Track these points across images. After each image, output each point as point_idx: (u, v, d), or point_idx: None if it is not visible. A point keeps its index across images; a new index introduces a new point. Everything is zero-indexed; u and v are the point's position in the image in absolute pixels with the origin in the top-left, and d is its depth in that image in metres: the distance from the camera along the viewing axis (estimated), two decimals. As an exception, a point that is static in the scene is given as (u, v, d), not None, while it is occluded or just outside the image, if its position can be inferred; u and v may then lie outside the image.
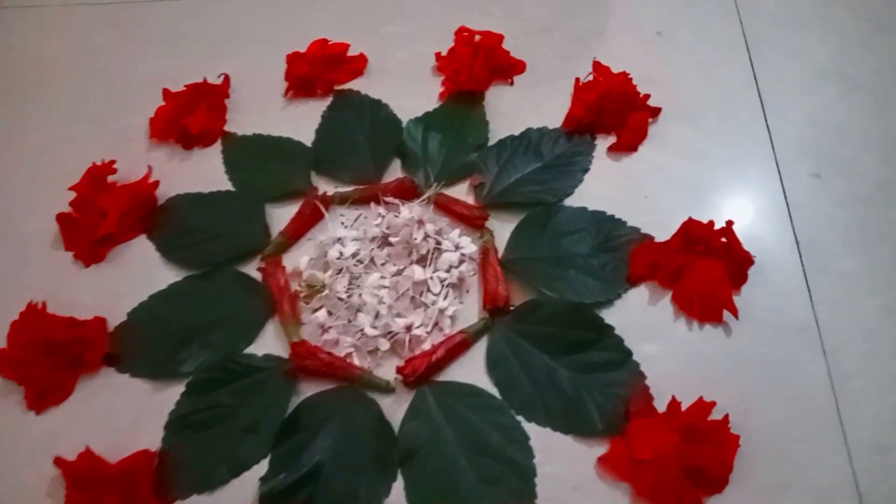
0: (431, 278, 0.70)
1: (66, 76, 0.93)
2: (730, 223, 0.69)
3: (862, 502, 0.58)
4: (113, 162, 0.80)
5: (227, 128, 0.85)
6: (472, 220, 0.74)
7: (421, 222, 0.72)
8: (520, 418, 0.63)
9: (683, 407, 0.61)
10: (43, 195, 0.80)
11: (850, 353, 0.65)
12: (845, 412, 0.62)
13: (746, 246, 0.69)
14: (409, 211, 0.73)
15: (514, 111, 0.84)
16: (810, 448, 0.61)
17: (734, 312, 0.66)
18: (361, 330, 0.68)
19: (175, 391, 0.67)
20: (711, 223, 0.69)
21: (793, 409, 0.63)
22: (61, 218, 0.77)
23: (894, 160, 0.76)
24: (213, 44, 0.94)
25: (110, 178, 0.80)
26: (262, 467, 0.62)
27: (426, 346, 0.67)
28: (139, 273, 0.75)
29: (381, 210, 0.75)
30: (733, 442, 0.59)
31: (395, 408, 0.65)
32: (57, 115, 0.89)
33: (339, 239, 0.73)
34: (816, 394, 0.63)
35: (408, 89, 0.87)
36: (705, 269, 0.68)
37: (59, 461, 0.61)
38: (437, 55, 0.88)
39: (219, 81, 0.88)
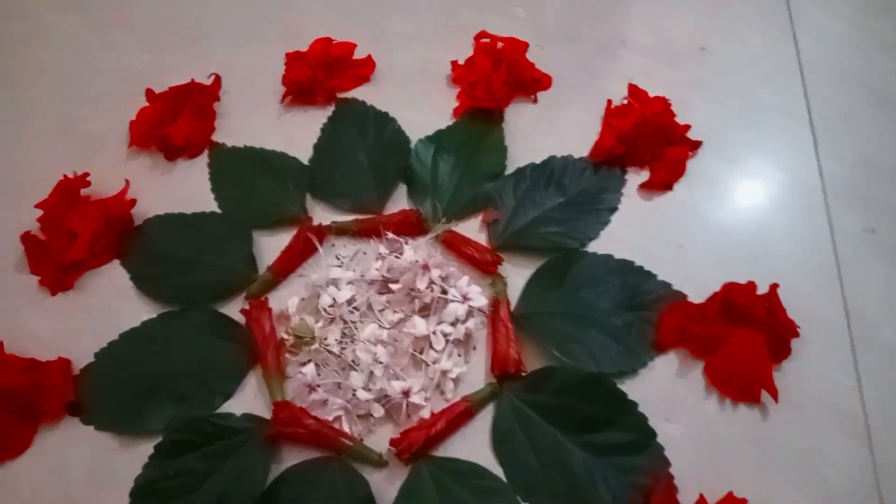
0: (434, 333, 0.62)
1: (32, 68, 0.84)
2: (774, 287, 0.61)
3: None
4: (86, 174, 0.72)
5: (215, 136, 0.77)
6: (484, 265, 0.66)
7: (426, 267, 0.64)
8: (526, 505, 0.57)
9: (710, 503, 0.54)
10: (6, 210, 0.72)
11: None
12: (887, 494, 0.55)
13: (790, 313, 0.61)
14: (413, 252, 0.65)
15: (536, 134, 0.75)
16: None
17: (774, 394, 0.59)
18: (353, 392, 0.60)
19: (142, 449, 0.60)
20: (753, 286, 0.62)
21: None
22: (26, 239, 0.69)
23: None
24: (204, 36, 0.85)
25: (83, 192, 0.72)
26: (235, 550, 0.56)
27: (425, 414, 0.60)
28: (109, 305, 0.68)
29: (382, 249, 0.66)
30: (766, 552, 0.53)
31: (386, 485, 0.58)
32: (21, 114, 0.80)
33: (334, 281, 0.65)
34: (859, 492, 0.56)
35: (419, 101, 0.78)
36: (744, 341, 0.60)
37: (10, 529, 0.55)
38: (454, 64, 0.79)
39: (208, 82, 0.79)
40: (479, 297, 0.64)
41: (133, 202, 0.71)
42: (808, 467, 0.57)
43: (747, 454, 0.58)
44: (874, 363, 0.61)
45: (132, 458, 0.59)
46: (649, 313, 0.63)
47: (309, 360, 0.62)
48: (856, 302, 0.64)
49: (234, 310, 0.66)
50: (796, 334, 0.61)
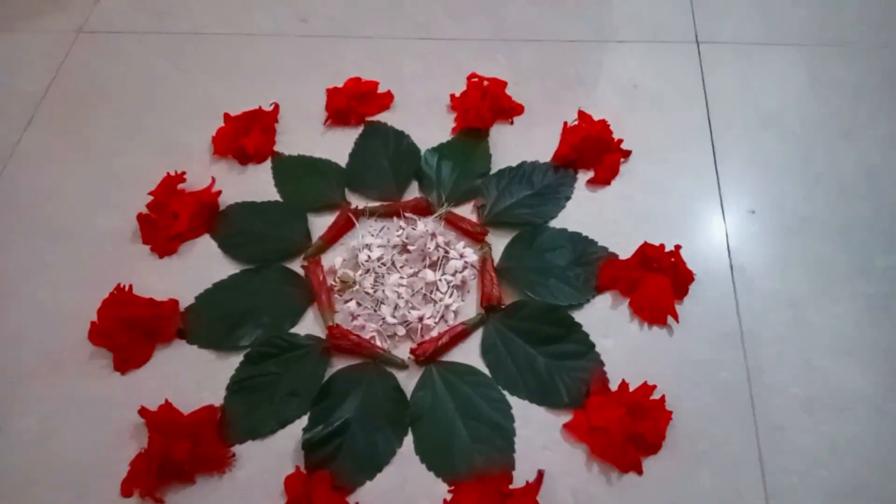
0: (440, 280, 0.88)
1: (137, 96, 1.11)
2: (678, 247, 0.87)
3: (763, 469, 0.76)
4: (184, 173, 0.98)
5: (276, 148, 1.03)
6: (475, 235, 0.92)
7: (434, 235, 0.90)
8: (505, 393, 0.81)
9: (631, 388, 0.79)
10: (120, 198, 0.98)
11: (765, 354, 0.83)
12: (756, 399, 0.80)
13: (690, 266, 0.87)
14: (424, 225, 0.91)
15: (512, 146, 1.01)
16: (727, 426, 0.78)
17: (676, 318, 0.85)
18: (383, 319, 0.85)
19: (233, 361, 0.84)
20: (663, 246, 0.88)
21: (716, 396, 0.80)
22: (141, 217, 0.95)
23: (817, 198, 0.94)
24: (263, 75, 1.12)
25: (180, 186, 0.98)
26: (302, 423, 0.80)
27: (434, 334, 0.85)
28: (203, 265, 0.92)
29: (402, 223, 0.93)
30: (667, 417, 0.77)
31: (407, 381, 0.83)
32: (132, 132, 1.07)
33: (368, 245, 0.91)
34: (735, 385, 0.81)
35: (426, 123, 1.04)
36: (655, 283, 0.86)
37: (143, 411, 0.79)
38: (452, 96, 1.06)
39: (270, 108, 1.06)
40: (472, 255, 0.90)
41: (218, 192, 0.97)
42: (700, 368, 0.82)
43: (658, 359, 0.83)
44: (750, 301, 0.87)
45: (226, 366, 0.84)
46: (592, 267, 0.89)
47: (351, 299, 0.88)
48: (738, 260, 0.90)
49: (295, 267, 0.92)
50: (692, 279, 0.87)
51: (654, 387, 0.79)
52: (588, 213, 0.95)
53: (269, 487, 0.76)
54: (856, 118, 1.02)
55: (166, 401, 0.80)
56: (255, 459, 0.79)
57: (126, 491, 0.77)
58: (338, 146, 1.03)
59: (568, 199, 0.96)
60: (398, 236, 0.91)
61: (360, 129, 1.05)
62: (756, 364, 0.82)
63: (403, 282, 0.88)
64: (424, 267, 0.90)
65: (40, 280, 0.92)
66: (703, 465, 0.76)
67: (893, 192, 0.95)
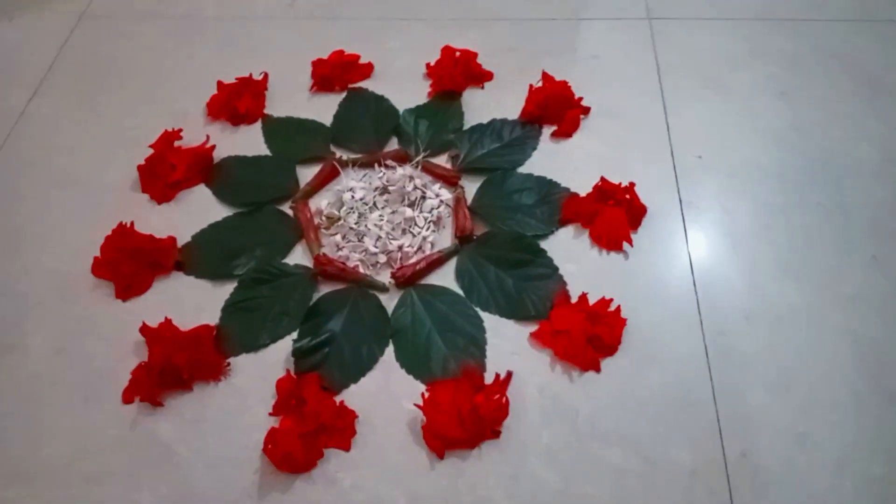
0: (418, 216, 0.97)
1: (137, 70, 1.20)
2: (631, 184, 0.97)
3: (709, 366, 0.84)
4: (181, 129, 1.07)
5: (265, 111, 1.12)
6: (449, 179, 1.01)
7: (412, 177, 0.99)
8: (477, 309, 0.89)
9: (590, 302, 0.88)
10: (122, 154, 1.06)
11: (711, 275, 0.92)
12: (704, 311, 0.88)
13: (644, 201, 0.97)
14: (403, 170, 1.00)
15: (483, 107, 1.11)
16: (676, 333, 0.87)
17: (630, 243, 0.94)
18: (366, 248, 0.94)
19: (228, 288, 0.92)
20: (619, 184, 0.97)
21: (666, 308, 0.89)
22: (141, 168, 1.03)
23: (756, 146, 1.05)
24: (254, 51, 1.21)
25: (176, 143, 1.06)
26: (292, 338, 0.87)
27: (413, 261, 0.93)
28: (199, 210, 1.00)
29: (383, 169, 1.02)
30: (622, 322, 0.86)
31: (388, 302, 0.91)
32: (136, 96, 1.16)
33: (351, 188, 0.99)
34: (683, 296, 0.90)
35: (404, 89, 1.14)
36: (612, 215, 0.95)
37: (144, 327, 0.86)
38: (427, 65, 1.16)
39: (259, 77, 1.15)
40: (447, 194, 0.99)
41: (213, 147, 1.06)
42: (652, 286, 0.91)
43: (615, 279, 0.91)
44: (697, 231, 0.96)
45: (221, 293, 0.92)
46: (555, 204, 0.98)
47: (336, 233, 0.96)
48: (686, 197, 1.00)
49: (285, 209, 1.00)
50: (645, 212, 0.96)
51: (611, 300, 0.88)
52: (552, 160, 1.04)
53: (261, 392, 0.83)
54: (791, 81, 1.14)
55: (166, 318, 0.87)
56: (249, 369, 0.86)
57: (127, 398, 0.83)
58: (323, 109, 1.12)
59: (534, 149, 1.06)
60: (379, 178, 1.00)
61: (343, 95, 1.14)
62: (703, 281, 0.91)
63: (384, 218, 0.97)
64: (403, 205, 0.98)
65: (50, 222, 1.00)
66: (654, 365, 0.84)
67: (823, 141, 1.05)
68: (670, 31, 1.22)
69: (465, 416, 0.77)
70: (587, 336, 0.84)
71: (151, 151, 1.04)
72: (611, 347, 0.85)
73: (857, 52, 1.18)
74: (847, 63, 1.16)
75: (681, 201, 0.99)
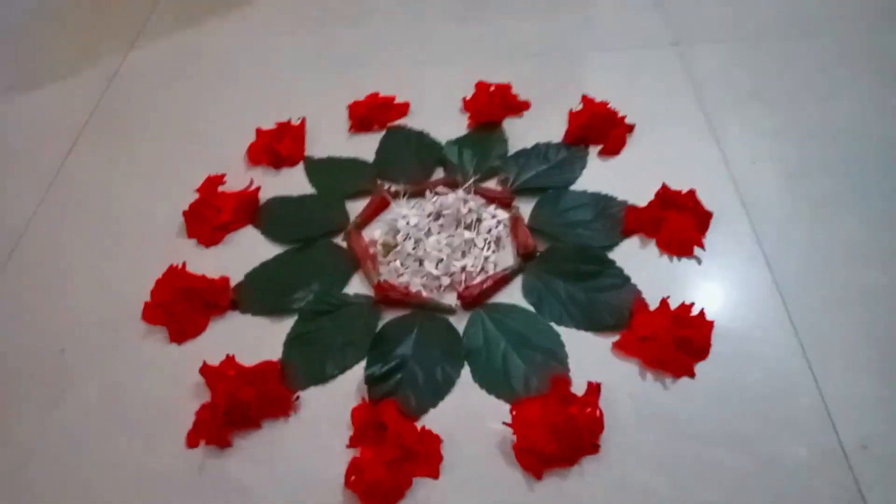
0: (476, 237, 0.94)
1: (172, 124, 1.20)
2: (692, 190, 0.95)
3: (808, 361, 0.79)
4: (224, 174, 1.05)
5: (306, 154, 1.11)
6: (503, 201, 0.99)
7: (466, 200, 0.97)
8: (551, 324, 0.85)
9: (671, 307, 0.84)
10: (163, 203, 1.04)
11: (789, 269, 0.88)
12: (789, 305, 0.85)
13: (707, 207, 0.95)
14: (456, 194, 0.98)
15: (524, 134, 1.11)
16: (765, 329, 0.83)
17: (702, 246, 0.91)
18: (427, 272, 0.90)
19: (287, 323, 0.88)
20: (679, 191, 0.95)
21: (750, 308, 0.85)
22: (186, 213, 1.00)
23: (807, 147, 1.04)
24: (288, 101, 1.21)
25: (220, 189, 1.04)
26: (361, 367, 0.82)
27: (478, 281, 0.90)
28: (249, 250, 0.97)
29: (434, 195, 1.00)
30: (709, 325, 0.82)
31: (456, 324, 0.86)
32: (167, 150, 1.15)
33: (405, 216, 0.97)
34: (765, 293, 0.86)
35: (442, 124, 1.14)
36: (678, 220, 0.92)
37: (204, 366, 0.81)
38: (464, 99, 1.16)
39: (298, 123, 1.15)
40: (503, 214, 0.97)
41: (258, 188, 1.04)
42: (731, 288, 0.87)
43: (691, 286, 0.88)
44: (766, 228, 0.93)
45: (281, 328, 0.87)
46: (615, 217, 0.96)
47: (394, 260, 0.93)
48: (748, 198, 0.97)
49: (338, 242, 0.97)
50: (710, 216, 0.94)
51: (693, 304, 0.84)
52: (603, 177, 1.02)
53: (334, 424, 0.78)
54: (828, 87, 1.14)
55: (227, 355, 0.82)
56: (319, 402, 0.80)
57: (192, 441, 0.78)
58: (363, 148, 1.11)
59: (583, 168, 1.04)
60: (432, 204, 0.98)
61: (382, 133, 1.14)
62: (783, 278, 0.88)
63: (442, 241, 0.94)
64: (460, 229, 0.95)
65: (93, 274, 0.97)
66: (749, 364, 0.80)
67: (874, 135, 1.05)
68: (697, 53, 1.23)
69: (560, 429, 0.72)
70: (676, 341, 0.79)
71: (192, 200, 1.02)
72: (702, 351, 0.80)
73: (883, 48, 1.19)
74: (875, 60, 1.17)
75: (743, 203, 0.97)
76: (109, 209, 1.06)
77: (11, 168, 1.15)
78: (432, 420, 0.78)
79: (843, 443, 0.73)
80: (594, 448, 0.73)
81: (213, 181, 1.04)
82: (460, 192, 0.99)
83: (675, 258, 0.91)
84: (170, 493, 0.74)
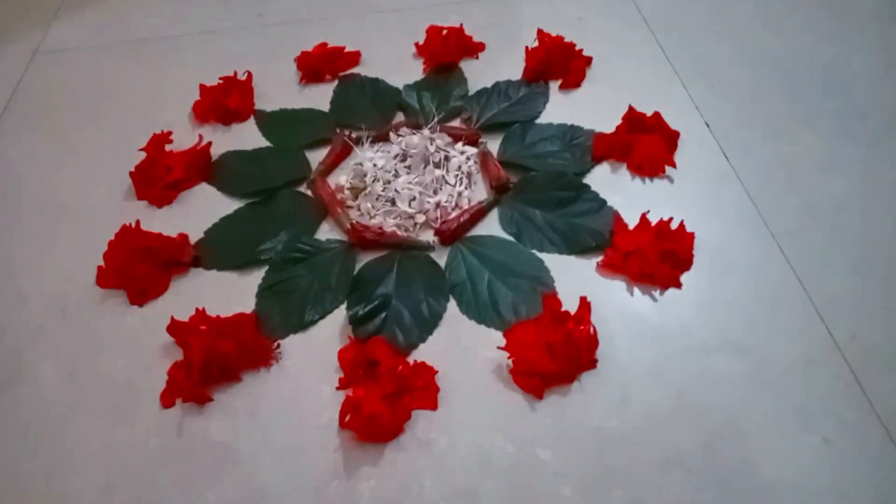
0: (447, 175, 0.91)
1: (106, 95, 1.11)
2: (657, 113, 0.94)
3: (790, 263, 0.80)
4: (170, 132, 0.99)
5: (256, 108, 1.06)
6: (470, 138, 0.96)
7: (432, 139, 0.94)
8: (534, 251, 0.83)
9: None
10: (104, 171, 0.97)
11: (758, 183, 0.89)
12: (762, 209, 0.85)
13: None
14: (421, 134, 0.94)
15: (482, 75, 1.08)
16: (744, 238, 0.83)
17: (674, 165, 0.90)
18: (401, 211, 0.87)
19: (257, 275, 0.83)
20: (644, 113, 0.95)
21: (728, 219, 0.85)
22: (133, 174, 0.94)
23: (759, 70, 1.05)
24: (231, 60, 1.13)
25: (167, 148, 0.98)
26: (341, 312, 0.79)
27: (454, 216, 0.87)
28: (206, 207, 0.92)
29: (400, 137, 0.96)
30: (690, 236, 0.81)
31: (436, 260, 0.83)
32: (103, 121, 1.07)
33: (370, 158, 0.93)
34: (740, 204, 0.87)
35: (396, 70, 1.10)
36: (648, 142, 0.92)
37: (173, 323, 0.75)
38: (416, 44, 1.13)
39: (244, 78, 1.09)
40: (472, 150, 0.94)
41: (209, 144, 0.98)
42: (707, 202, 0.87)
43: (667, 204, 0.87)
44: (729, 146, 0.94)
45: (250, 280, 0.82)
46: (584, 146, 0.94)
47: (364, 202, 0.89)
48: (710, 118, 0.98)
49: (301, 191, 0.92)
50: (678, 135, 0.94)
51: (671, 218, 0.83)
52: (566, 109, 1.01)
53: (320, 370, 0.74)
54: (768, 17, 1.16)
55: (197, 309, 0.77)
56: (301, 349, 0.76)
57: (167, 401, 0.72)
58: (316, 98, 1.07)
59: (546, 101, 1.03)
60: (398, 145, 0.94)
61: (334, 84, 1.09)
62: (754, 190, 0.88)
63: (413, 180, 0.90)
64: (429, 168, 0.92)
65: (39, 248, 0.89)
66: (733, 271, 0.80)
67: (816, 60, 1.07)
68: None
69: (557, 347, 0.70)
70: (660, 254, 0.79)
71: (137, 162, 0.95)
72: (686, 261, 0.80)
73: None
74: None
75: (706, 123, 0.97)
76: (43, 188, 0.97)
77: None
78: (422, 355, 0.74)
79: (835, 336, 0.73)
80: (592, 363, 0.72)
81: (160, 139, 0.97)
82: (426, 132, 0.95)
83: (647, 179, 0.91)
84: (149, 460, 0.68)
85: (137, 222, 0.86)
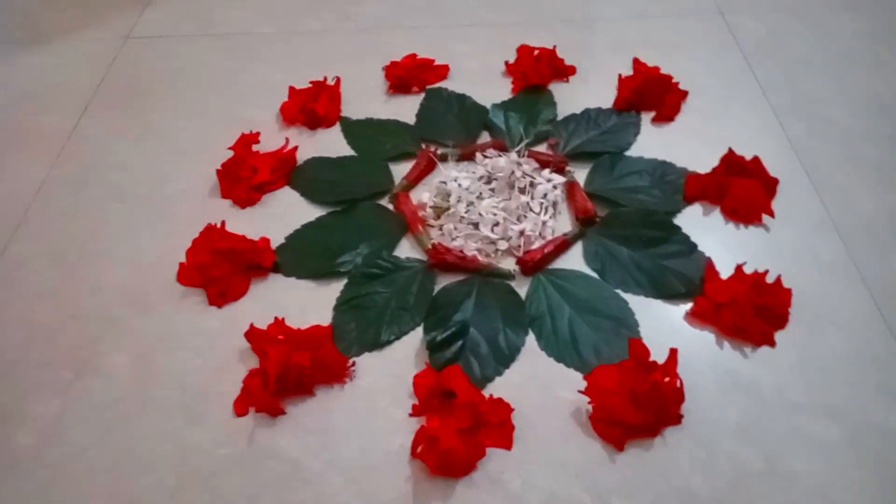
0: (532, 202, 0.89)
1: (193, 85, 1.13)
2: (756, 157, 0.91)
3: (887, 323, 0.76)
4: (258, 133, 0.99)
5: (342, 115, 1.05)
6: (557, 165, 0.94)
7: (519, 163, 0.92)
8: (618, 291, 0.80)
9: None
10: (188, 165, 0.98)
11: (857, 235, 0.85)
12: (861, 266, 0.81)
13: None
14: (508, 157, 0.92)
15: (571, 99, 1.06)
16: (841, 294, 0.79)
17: (771, 214, 0.87)
18: (483, 236, 0.85)
19: (335, 287, 0.82)
20: (743, 157, 0.91)
21: (823, 273, 0.82)
22: (220, 172, 0.94)
23: (859, 113, 1.01)
24: (318, 62, 1.14)
25: (253, 148, 0.98)
26: (417, 334, 0.77)
27: (537, 246, 0.84)
28: (288, 212, 0.91)
29: (485, 158, 0.94)
30: (787, 291, 0.78)
31: (516, 289, 0.81)
32: (188, 111, 1.08)
33: (455, 178, 0.91)
34: (837, 259, 0.83)
35: (484, 88, 1.08)
36: (745, 186, 0.88)
37: (252, 330, 0.75)
38: (506, 63, 1.11)
39: (332, 83, 1.09)
40: (559, 178, 0.91)
41: (295, 148, 0.98)
42: (803, 254, 0.83)
43: (761, 254, 0.83)
44: (829, 194, 0.90)
45: (328, 291, 0.82)
46: (675, 184, 0.91)
47: (445, 223, 0.87)
48: (808, 165, 0.94)
49: (384, 204, 0.91)
50: (777, 182, 0.90)
51: (767, 271, 0.79)
52: (658, 144, 0.98)
53: (393, 392, 0.73)
54: (872, 59, 1.11)
55: (276, 318, 0.76)
56: (375, 368, 0.75)
57: (240, 409, 0.72)
58: (402, 110, 1.06)
59: (637, 133, 0.99)
60: (483, 166, 0.93)
61: (421, 96, 1.08)
62: (853, 244, 0.84)
63: (497, 205, 0.88)
64: (513, 193, 0.90)
65: (118, 236, 0.90)
66: (829, 330, 0.76)
67: None
68: (743, 22, 1.19)
69: (642, 398, 0.67)
70: (754, 306, 0.75)
71: (223, 160, 0.95)
72: (781, 318, 0.76)
73: None
74: None
75: (805, 169, 0.93)
76: (124, 175, 0.98)
77: (15, 136, 1.06)
78: (498, 388, 0.73)
79: (937, 411, 0.69)
80: (678, 418, 0.69)
81: (248, 139, 0.97)
82: (513, 155, 0.93)
83: (741, 225, 0.87)
84: (213, 468, 0.68)
85: (223, 223, 0.86)
